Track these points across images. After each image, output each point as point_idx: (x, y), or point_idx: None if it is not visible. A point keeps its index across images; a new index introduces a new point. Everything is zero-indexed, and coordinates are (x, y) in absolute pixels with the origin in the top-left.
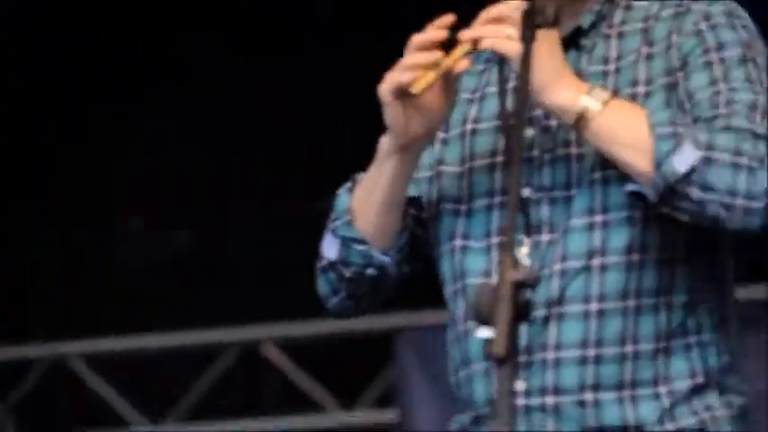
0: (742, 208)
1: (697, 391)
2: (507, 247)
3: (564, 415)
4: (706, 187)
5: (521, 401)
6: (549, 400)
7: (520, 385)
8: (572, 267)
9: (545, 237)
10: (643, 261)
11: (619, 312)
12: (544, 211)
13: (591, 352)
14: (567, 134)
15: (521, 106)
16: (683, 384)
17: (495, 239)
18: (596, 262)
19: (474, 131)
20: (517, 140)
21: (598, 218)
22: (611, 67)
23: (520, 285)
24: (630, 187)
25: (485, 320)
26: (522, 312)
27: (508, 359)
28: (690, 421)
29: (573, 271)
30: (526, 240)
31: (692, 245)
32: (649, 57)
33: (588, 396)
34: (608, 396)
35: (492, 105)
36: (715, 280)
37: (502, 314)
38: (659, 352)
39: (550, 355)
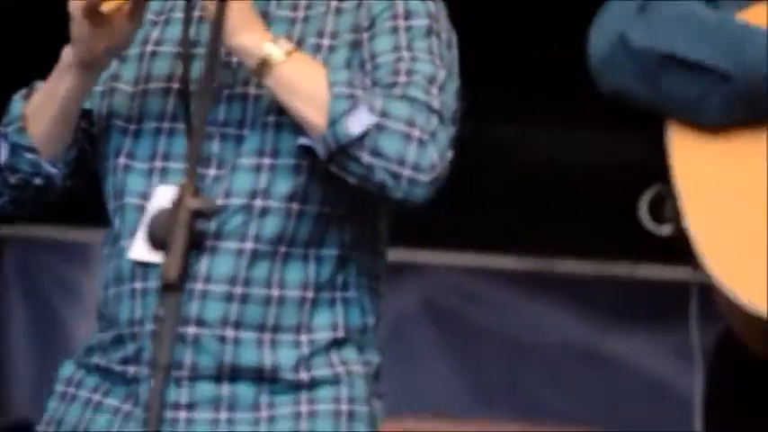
0: (408, 178)
1: (336, 344)
2: (190, 175)
3: (202, 348)
4: (376, 153)
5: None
6: (191, 330)
7: (161, 311)
8: (234, 204)
9: (212, 171)
10: (302, 211)
11: (270, 256)
12: (214, 146)
13: (238, 290)
14: (248, 73)
15: (215, 45)
16: (323, 336)
17: (158, 164)
18: (258, 203)
19: (153, 54)
20: (210, 76)
21: (266, 161)
22: (300, 14)
23: (198, 214)
24: (302, 141)
25: (159, 244)
26: (196, 241)
27: (179, 286)
28: (325, 372)
29: (234, 208)
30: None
31: (354, 204)
32: (339, 11)
33: (229, 332)
34: (248, 336)
35: (175, 31)
36: (371, 241)
37: (177, 240)
38: (305, 301)
39: (199, 286)
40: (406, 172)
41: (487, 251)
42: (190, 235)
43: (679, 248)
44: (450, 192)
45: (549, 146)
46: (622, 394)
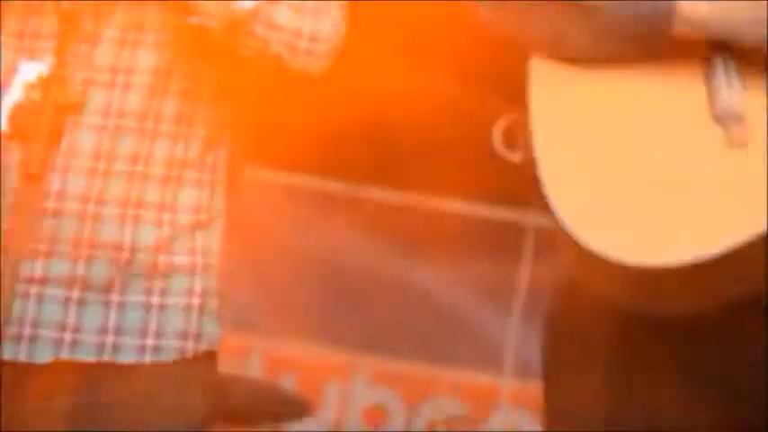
0: (305, 50)
1: (198, 227)
2: (58, 66)
3: (63, 221)
4: (271, 25)
5: None
6: (51, 204)
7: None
8: (96, 79)
9: (75, 45)
10: (168, 86)
11: (136, 132)
12: (80, 21)
13: (101, 165)
14: None
15: None
16: (186, 218)
17: (27, 41)
18: (121, 79)
19: None
20: None
21: (130, 35)
22: None
23: (64, 108)
24: (194, 20)
25: (21, 135)
26: (60, 133)
27: (40, 178)
28: (183, 259)
29: (97, 83)
30: (54, 46)
31: (223, 83)
32: None
33: (90, 207)
34: (110, 211)
35: None
36: (240, 124)
37: (42, 133)
38: (170, 180)
39: (61, 160)
40: (303, 43)
41: (297, 170)
42: (54, 129)
43: (529, 179)
44: (263, 108)
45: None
46: (423, 325)
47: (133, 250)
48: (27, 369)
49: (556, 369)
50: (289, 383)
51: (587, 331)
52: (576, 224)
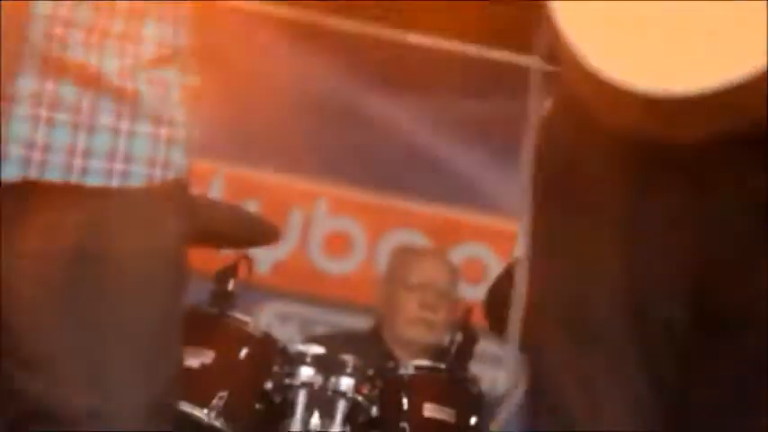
0: None
1: (162, 61)
2: None
3: (30, 39)
4: None
5: None
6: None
7: None
8: None
9: None
10: None
11: None
12: None
13: None
14: None
15: None
16: (149, 49)
17: None
18: None
19: None
20: None
21: None
22: None
23: None
24: None
25: None
26: None
27: None
28: (149, 89)
29: None
30: None
31: None
32: None
33: (57, 29)
34: (75, 36)
35: None
36: None
37: None
38: (134, 13)
39: None
40: None
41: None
42: None
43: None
44: None
45: None
46: (393, 157)
47: (98, 76)
48: None
49: (546, 200)
50: (252, 208)
51: (588, 158)
52: (584, 48)
